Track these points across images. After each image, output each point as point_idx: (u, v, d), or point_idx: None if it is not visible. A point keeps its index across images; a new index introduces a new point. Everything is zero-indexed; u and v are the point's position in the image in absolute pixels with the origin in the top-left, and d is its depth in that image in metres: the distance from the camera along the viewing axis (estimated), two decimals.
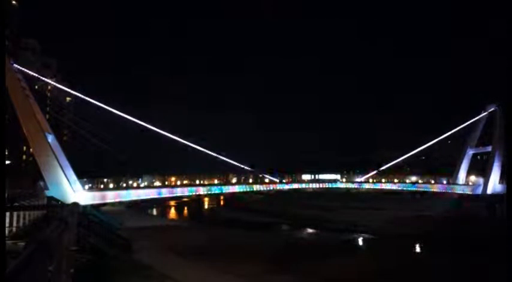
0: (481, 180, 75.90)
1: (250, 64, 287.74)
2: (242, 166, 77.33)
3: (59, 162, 46.69)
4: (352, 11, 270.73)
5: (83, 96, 54.85)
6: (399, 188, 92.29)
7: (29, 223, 22.88)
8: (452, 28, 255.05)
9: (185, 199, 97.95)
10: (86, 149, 61.67)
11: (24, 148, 73.62)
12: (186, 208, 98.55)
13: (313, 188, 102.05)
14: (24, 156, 76.74)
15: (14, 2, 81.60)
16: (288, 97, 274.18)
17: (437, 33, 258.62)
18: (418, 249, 43.09)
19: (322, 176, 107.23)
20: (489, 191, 70.71)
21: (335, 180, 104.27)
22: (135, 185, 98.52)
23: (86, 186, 55.43)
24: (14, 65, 48.82)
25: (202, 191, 75.52)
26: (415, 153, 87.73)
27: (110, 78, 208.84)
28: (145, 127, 59.05)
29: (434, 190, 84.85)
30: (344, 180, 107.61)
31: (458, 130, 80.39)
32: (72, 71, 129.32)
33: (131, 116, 57.55)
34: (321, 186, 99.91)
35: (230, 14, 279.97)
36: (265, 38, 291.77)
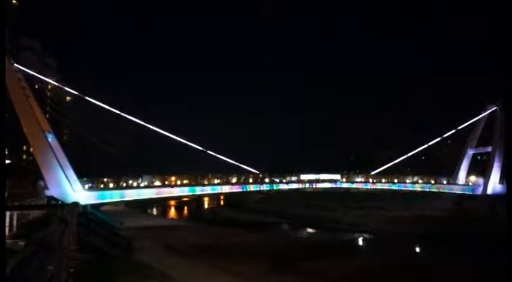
0: (481, 180, 75.92)
1: (249, 63, 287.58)
2: (242, 166, 77.30)
3: (59, 162, 46.68)
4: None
5: (82, 96, 54.83)
6: (399, 188, 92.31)
7: (29, 222, 23.13)
8: (452, 27, 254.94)
9: (185, 199, 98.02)
10: (86, 149, 61.68)
11: (25, 148, 73.64)
12: (186, 208, 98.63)
13: (313, 188, 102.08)
14: (24, 156, 76.79)
15: (14, 1, 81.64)
16: (288, 97, 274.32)
17: (435, 33, 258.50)
18: (418, 249, 43.13)
19: (322, 176, 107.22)
20: (489, 191, 70.70)
21: (335, 180, 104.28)
22: (135, 184, 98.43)
23: (86, 186, 55.37)
24: (14, 64, 48.82)
25: (201, 190, 75.51)
26: (415, 153, 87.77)
27: (110, 78, 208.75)
28: (145, 127, 59.03)
29: (434, 190, 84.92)
30: (344, 180, 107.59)
31: (458, 130, 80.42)
32: (72, 70, 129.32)
33: (131, 115, 57.57)
34: (321, 186, 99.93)
35: (230, 12, 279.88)
36: (265, 37, 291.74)
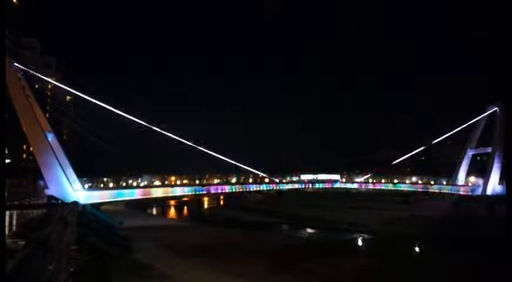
0: (480, 181, 75.94)
1: (250, 65, 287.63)
2: (242, 166, 77.22)
3: (58, 161, 46.64)
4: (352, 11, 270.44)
5: (82, 95, 54.77)
6: (399, 189, 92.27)
7: (28, 222, 23.19)
8: (452, 27, 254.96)
9: (185, 199, 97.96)
10: (86, 148, 61.65)
11: (24, 147, 73.70)
12: (185, 208, 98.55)
13: (313, 188, 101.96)
14: (24, 155, 76.83)
15: (14, 1, 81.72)
16: (288, 97, 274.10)
17: (435, 36, 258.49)
18: (417, 249, 43.12)
19: (322, 176, 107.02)
20: (489, 191, 70.72)
21: (335, 180, 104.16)
22: (135, 184, 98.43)
23: (86, 185, 55.32)
24: (14, 64, 48.78)
25: (201, 190, 75.35)
26: (415, 154, 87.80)
27: (110, 78, 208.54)
28: (145, 126, 58.96)
29: (434, 190, 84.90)
30: (344, 180, 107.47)
31: (458, 131, 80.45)
32: (72, 70, 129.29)
33: (131, 115, 57.47)
34: (321, 186, 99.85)
35: (231, 14, 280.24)
36: (266, 38, 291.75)
